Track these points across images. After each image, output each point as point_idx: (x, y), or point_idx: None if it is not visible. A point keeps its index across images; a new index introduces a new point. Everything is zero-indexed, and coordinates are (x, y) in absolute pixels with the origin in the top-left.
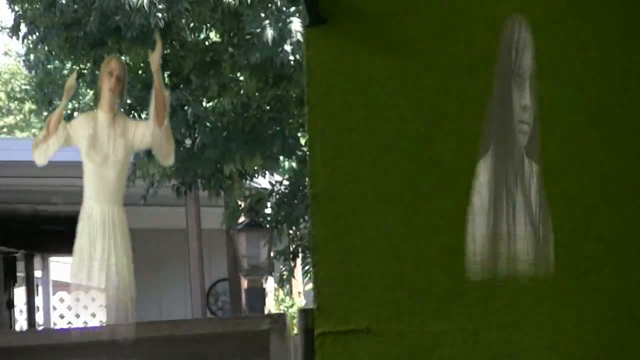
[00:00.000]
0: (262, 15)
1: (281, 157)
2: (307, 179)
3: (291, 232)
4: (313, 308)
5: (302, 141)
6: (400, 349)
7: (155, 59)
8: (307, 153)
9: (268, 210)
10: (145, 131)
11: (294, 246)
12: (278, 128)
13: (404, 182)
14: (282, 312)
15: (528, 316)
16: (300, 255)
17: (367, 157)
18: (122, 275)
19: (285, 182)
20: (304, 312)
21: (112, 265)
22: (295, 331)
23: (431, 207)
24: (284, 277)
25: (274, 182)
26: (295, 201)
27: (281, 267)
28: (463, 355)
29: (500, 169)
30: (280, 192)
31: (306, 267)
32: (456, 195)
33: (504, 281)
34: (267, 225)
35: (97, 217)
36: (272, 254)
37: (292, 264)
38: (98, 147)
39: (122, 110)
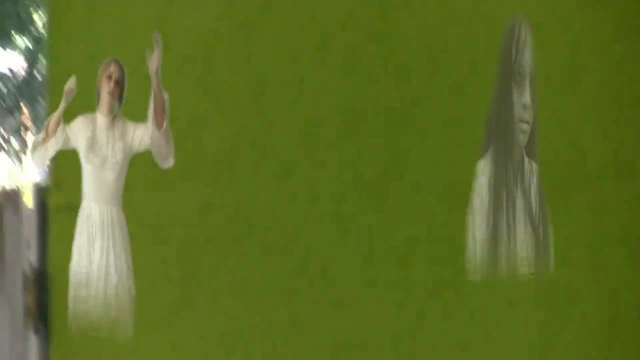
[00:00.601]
0: None
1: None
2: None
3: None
4: (48, 183)
5: None
6: None
7: (154, 60)
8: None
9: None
10: (144, 133)
11: (29, 123)
12: None
13: None
14: (16, 187)
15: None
16: (34, 130)
17: None
18: (121, 275)
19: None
20: (38, 188)
21: (111, 264)
22: (30, 206)
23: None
24: (18, 151)
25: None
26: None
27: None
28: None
29: (500, 169)
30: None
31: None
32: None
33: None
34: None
35: (96, 217)
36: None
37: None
38: (97, 150)
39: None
